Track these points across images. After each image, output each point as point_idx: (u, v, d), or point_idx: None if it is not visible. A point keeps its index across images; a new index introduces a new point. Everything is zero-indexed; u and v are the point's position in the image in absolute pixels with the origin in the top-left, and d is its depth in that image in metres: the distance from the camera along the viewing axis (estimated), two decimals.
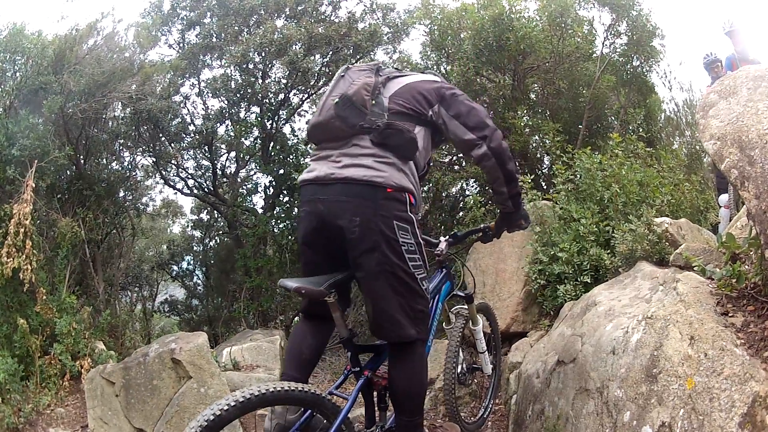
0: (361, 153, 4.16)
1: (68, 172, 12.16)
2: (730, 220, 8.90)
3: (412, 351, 4.33)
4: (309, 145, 14.80)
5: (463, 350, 6.57)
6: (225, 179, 15.63)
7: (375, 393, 4.62)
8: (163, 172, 14.93)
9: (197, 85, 14.27)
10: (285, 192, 14.20)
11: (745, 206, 6.27)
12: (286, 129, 14.83)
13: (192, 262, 17.96)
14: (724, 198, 10.27)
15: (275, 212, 14.03)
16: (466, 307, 6.31)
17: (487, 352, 6.40)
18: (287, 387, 3.74)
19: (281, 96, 14.13)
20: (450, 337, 6.09)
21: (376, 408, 4.65)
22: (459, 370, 6.22)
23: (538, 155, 13.47)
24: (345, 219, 4.02)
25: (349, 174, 4.08)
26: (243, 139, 14.46)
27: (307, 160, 12.51)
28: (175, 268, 17.82)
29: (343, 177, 4.09)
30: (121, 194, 14.06)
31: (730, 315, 4.58)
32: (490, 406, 6.86)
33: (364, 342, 5.00)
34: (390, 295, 4.12)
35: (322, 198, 4.16)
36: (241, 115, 14.41)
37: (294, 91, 14.40)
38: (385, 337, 4.36)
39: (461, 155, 14.24)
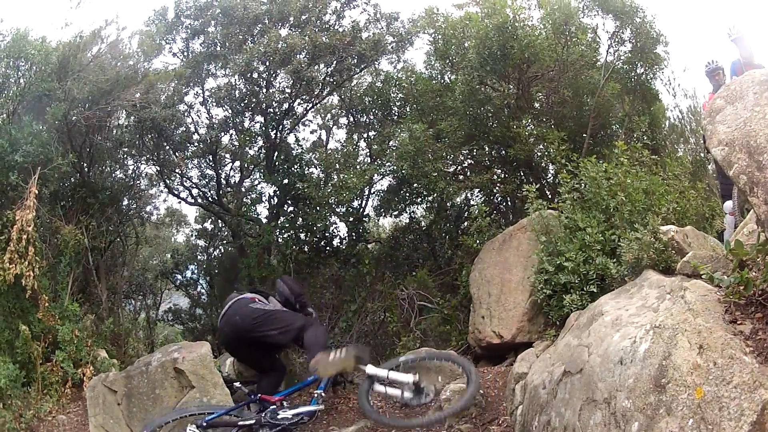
0: None
1: (72, 180, 12.17)
2: (735, 227, 8.85)
3: None
4: (312, 154, 14.86)
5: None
6: (229, 189, 15.62)
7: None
8: (167, 181, 14.91)
9: (201, 94, 14.32)
10: (289, 202, 14.19)
11: (751, 212, 6.22)
12: (291, 138, 14.88)
13: (196, 271, 17.96)
14: (728, 205, 10.20)
15: (279, 222, 14.02)
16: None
17: (392, 372, 7.74)
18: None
19: (285, 105, 14.12)
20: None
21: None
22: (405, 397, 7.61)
23: (543, 164, 13.41)
24: None
25: None
26: (247, 148, 14.45)
27: None
28: (179, 276, 17.80)
29: None
30: (125, 202, 14.11)
31: (738, 323, 4.54)
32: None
33: None
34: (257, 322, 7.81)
35: None
36: (246, 124, 14.41)
37: (298, 101, 14.40)
38: None
39: (466, 165, 14.23)
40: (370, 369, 7.80)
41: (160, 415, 7.80)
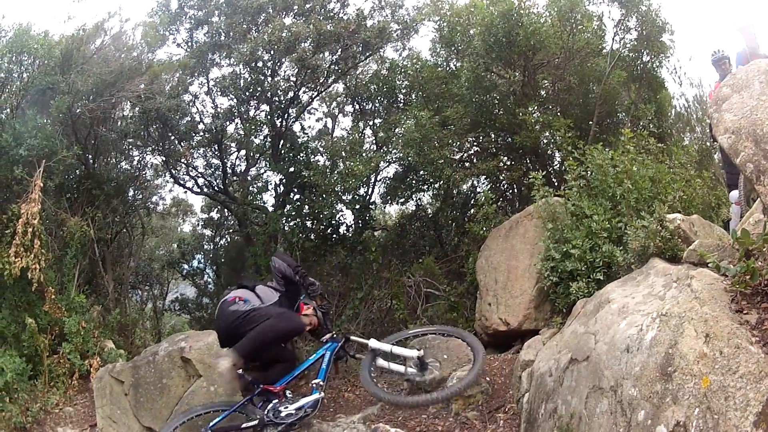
0: None
1: (77, 172, 12.19)
2: (741, 217, 8.83)
3: None
4: (317, 142, 14.87)
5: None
6: (235, 178, 15.64)
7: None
8: (173, 171, 14.93)
9: (206, 84, 14.32)
10: (295, 190, 14.19)
11: (757, 202, 6.19)
12: (296, 127, 14.87)
13: (202, 261, 18.01)
14: (734, 194, 10.18)
15: (286, 210, 14.00)
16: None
17: (396, 347, 7.85)
18: None
19: (291, 94, 14.11)
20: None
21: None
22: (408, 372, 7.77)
23: (549, 151, 13.38)
24: None
25: None
26: (253, 137, 14.45)
27: None
28: (186, 266, 17.84)
29: None
30: (131, 193, 14.12)
31: (744, 312, 4.52)
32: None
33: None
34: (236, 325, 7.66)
35: None
36: (251, 113, 14.42)
37: (303, 89, 14.38)
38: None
39: (472, 152, 14.22)
40: (373, 343, 7.86)
41: (166, 406, 7.84)
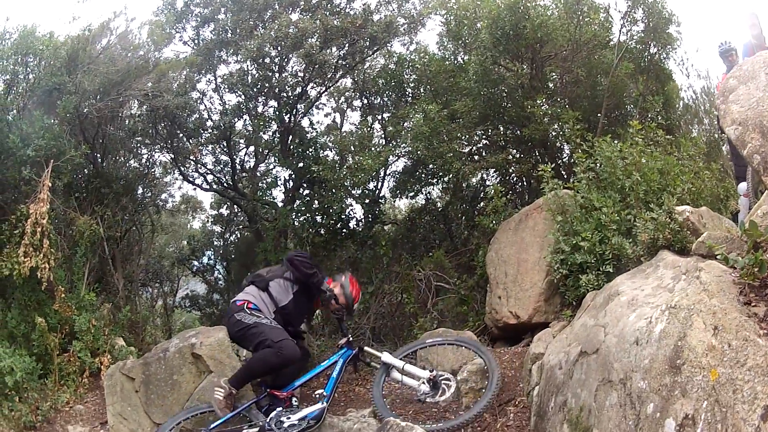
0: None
1: (85, 171, 12.23)
2: (750, 209, 8.80)
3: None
4: (326, 137, 14.86)
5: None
6: (244, 174, 15.64)
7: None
8: (182, 168, 14.95)
9: (214, 81, 14.31)
10: (305, 185, 14.19)
11: (765, 194, 6.17)
12: (305, 122, 14.84)
13: (212, 257, 18.01)
14: (743, 187, 10.14)
15: (295, 205, 14.01)
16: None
17: (408, 365, 7.89)
18: None
19: (298, 89, 14.08)
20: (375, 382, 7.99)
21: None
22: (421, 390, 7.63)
23: (558, 144, 13.33)
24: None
25: None
26: (261, 133, 14.40)
27: None
28: (196, 263, 17.84)
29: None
30: (140, 191, 14.15)
31: (752, 305, 4.51)
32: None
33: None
34: (238, 336, 8.00)
35: None
36: (259, 109, 14.37)
37: (311, 84, 14.34)
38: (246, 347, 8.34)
39: (481, 145, 14.20)
40: (386, 357, 7.82)
41: (177, 402, 7.86)
